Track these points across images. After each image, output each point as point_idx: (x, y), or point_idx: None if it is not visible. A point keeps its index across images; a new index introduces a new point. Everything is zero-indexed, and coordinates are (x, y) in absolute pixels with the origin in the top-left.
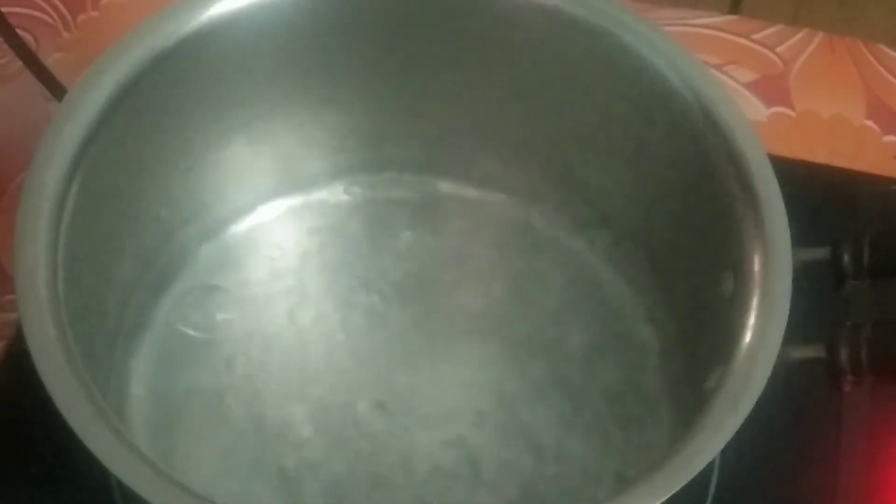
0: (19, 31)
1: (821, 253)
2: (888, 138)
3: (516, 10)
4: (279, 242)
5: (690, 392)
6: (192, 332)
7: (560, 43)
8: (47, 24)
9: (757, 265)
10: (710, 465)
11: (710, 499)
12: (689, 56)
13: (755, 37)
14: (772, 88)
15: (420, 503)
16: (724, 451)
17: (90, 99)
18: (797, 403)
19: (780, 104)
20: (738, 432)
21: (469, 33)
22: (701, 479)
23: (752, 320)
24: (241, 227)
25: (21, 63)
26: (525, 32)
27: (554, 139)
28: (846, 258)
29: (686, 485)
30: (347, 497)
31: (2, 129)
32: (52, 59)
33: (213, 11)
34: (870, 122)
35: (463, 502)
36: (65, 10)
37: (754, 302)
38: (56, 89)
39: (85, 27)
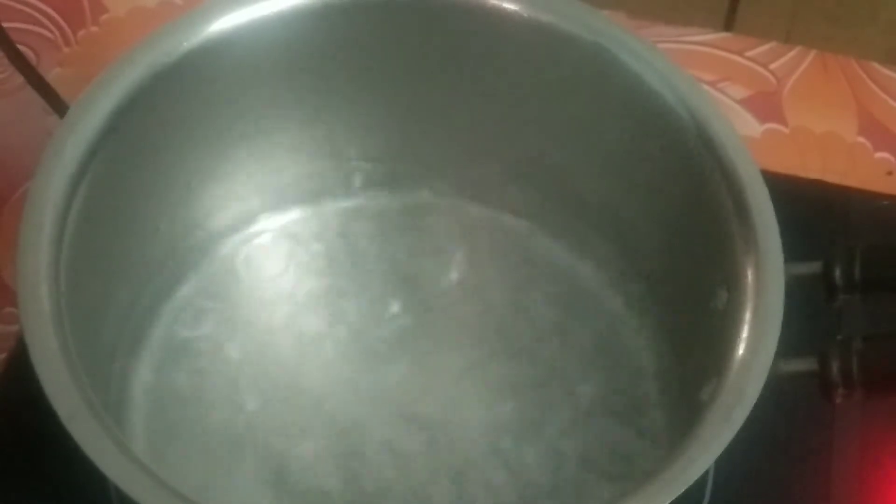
0: (20, 47)
1: (813, 267)
2: (880, 155)
3: (511, 26)
4: (278, 256)
5: (684, 404)
6: (192, 344)
7: (555, 59)
8: (48, 39)
9: (750, 279)
10: (704, 477)
11: None
12: (683, 73)
13: (749, 54)
14: (765, 105)
15: None
16: (717, 463)
17: (92, 114)
18: (789, 415)
19: (773, 120)
20: (731, 444)
21: (464, 49)
22: (695, 491)
23: (745, 333)
24: (240, 240)
25: (22, 78)
26: (520, 49)
27: (548, 155)
28: (837, 272)
29: (680, 496)
30: None
31: (2, 142)
32: (52, 74)
33: (214, 28)
34: (862, 139)
35: None
36: (65, 26)
37: (747, 315)
38: (56, 104)
39: (85, 42)
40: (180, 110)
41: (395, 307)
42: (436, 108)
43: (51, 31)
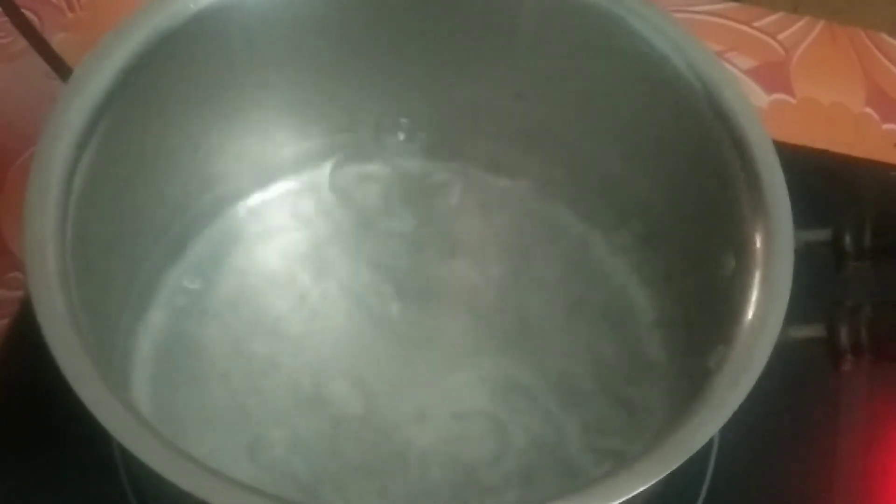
0: (24, 11)
1: (822, 234)
2: (888, 126)
3: None
4: (284, 221)
5: (692, 371)
6: (197, 304)
7: (566, 25)
8: (52, 3)
9: (758, 245)
10: (710, 443)
11: (709, 476)
12: (695, 40)
13: (756, 24)
14: (772, 75)
15: (414, 493)
16: (723, 429)
17: (98, 76)
18: (797, 382)
19: (780, 91)
20: (737, 410)
21: (474, 17)
22: (700, 457)
23: (753, 300)
24: (246, 205)
25: (25, 42)
26: (530, 14)
27: (556, 120)
28: (847, 239)
29: (686, 462)
30: (345, 479)
31: (6, 107)
32: (56, 39)
33: None
34: (869, 110)
35: (462, 485)
36: None
37: (756, 282)
38: (61, 68)
39: (89, 7)
40: (187, 73)
41: (399, 273)
42: (444, 74)
43: None
